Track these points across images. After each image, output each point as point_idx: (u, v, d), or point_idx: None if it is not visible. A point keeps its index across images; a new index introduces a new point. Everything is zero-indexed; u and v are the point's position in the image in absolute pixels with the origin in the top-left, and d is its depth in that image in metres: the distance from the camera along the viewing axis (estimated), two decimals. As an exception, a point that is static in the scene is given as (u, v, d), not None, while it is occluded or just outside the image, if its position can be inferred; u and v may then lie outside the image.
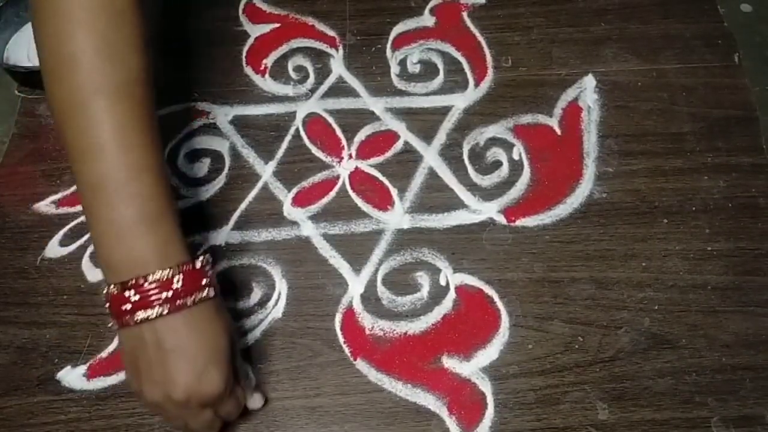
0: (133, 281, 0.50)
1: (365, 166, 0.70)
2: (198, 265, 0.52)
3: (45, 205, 0.69)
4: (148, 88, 0.54)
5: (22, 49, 0.78)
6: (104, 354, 0.62)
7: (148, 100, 0.54)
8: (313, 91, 0.75)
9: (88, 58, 0.51)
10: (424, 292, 0.64)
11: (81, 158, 0.52)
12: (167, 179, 0.54)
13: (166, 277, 0.50)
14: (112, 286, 0.51)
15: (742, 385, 0.59)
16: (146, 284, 0.50)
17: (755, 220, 0.66)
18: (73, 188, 0.69)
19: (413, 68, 0.77)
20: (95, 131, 0.51)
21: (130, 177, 0.51)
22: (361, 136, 0.72)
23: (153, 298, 0.50)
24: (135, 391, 0.53)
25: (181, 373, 0.50)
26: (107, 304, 0.52)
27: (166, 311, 0.50)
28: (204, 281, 0.52)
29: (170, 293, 0.50)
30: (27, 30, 0.79)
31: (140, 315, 0.50)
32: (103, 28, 0.51)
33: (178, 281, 0.50)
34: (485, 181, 0.69)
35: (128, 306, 0.50)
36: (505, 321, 0.62)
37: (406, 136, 0.72)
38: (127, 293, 0.50)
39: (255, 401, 0.58)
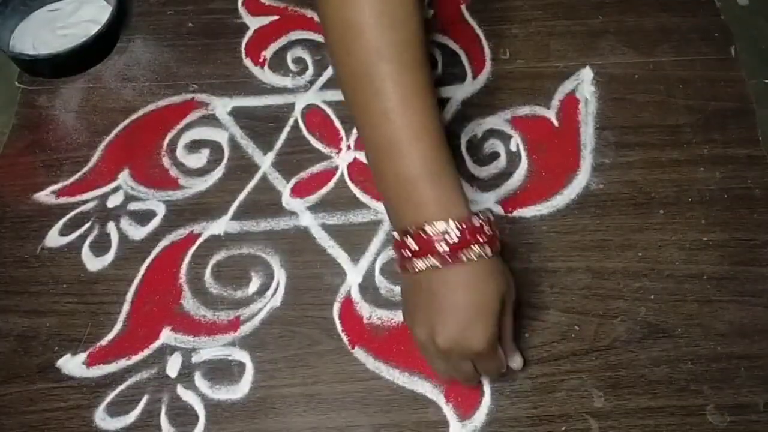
0: (413, 230, 0.52)
1: (363, 157, 0.71)
2: (476, 222, 0.53)
3: (45, 195, 0.70)
4: (425, 49, 0.55)
5: (28, 38, 0.78)
6: (104, 342, 0.62)
7: (426, 62, 0.55)
8: (311, 82, 0.76)
9: (372, 24, 0.53)
10: (422, 281, 0.64)
11: (369, 123, 0.54)
12: (445, 138, 0.55)
13: (444, 230, 0.52)
14: (396, 234, 0.55)
15: (737, 373, 0.59)
16: (424, 235, 0.52)
17: (751, 211, 0.67)
18: (73, 178, 0.70)
19: (412, 60, 0.77)
20: (383, 97, 0.53)
21: (415, 138, 0.53)
22: (359, 127, 0.72)
23: (430, 248, 0.52)
24: (408, 326, 0.56)
25: (447, 325, 0.52)
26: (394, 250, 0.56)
27: (439, 263, 0.52)
28: (481, 238, 0.53)
29: (446, 246, 0.51)
30: (33, 19, 0.80)
31: (418, 264, 0.52)
32: None
33: (455, 235, 0.52)
34: (483, 172, 0.70)
35: (408, 253, 0.53)
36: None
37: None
38: (407, 240, 0.53)
39: (516, 361, 0.59)
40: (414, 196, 0.53)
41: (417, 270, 0.53)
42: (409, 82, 0.53)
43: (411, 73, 0.53)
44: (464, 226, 0.52)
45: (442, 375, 0.58)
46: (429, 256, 0.52)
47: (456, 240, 0.51)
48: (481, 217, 0.54)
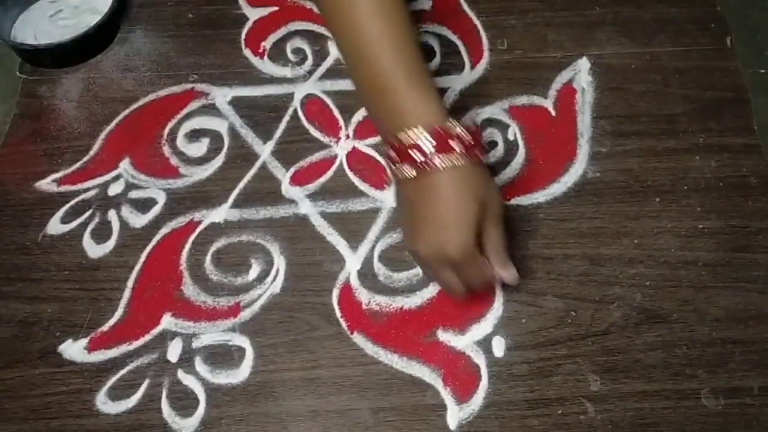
0: (390, 139, 0.55)
1: (362, 146, 0.71)
2: (453, 129, 0.54)
3: (46, 184, 0.70)
4: None
5: (29, 28, 0.79)
6: (105, 328, 0.63)
7: None
8: (311, 72, 0.76)
9: None
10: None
11: (344, 33, 0.59)
12: (418, 48, 0.58)
13: (417, 137, 0.54)
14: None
15: (732, 357, 0.60)
16: (397, 143, 0.55)
17: (745, 199, 0.67)
18: (74, 167, 0.71)
19: (410, 51, 0.77)
20: (356, 9, 0.57)
21: (386, 47, 0.56)
22: (358, 116, 0.73)
23: (407, 156, 0.54)
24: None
25: (424, 232, 0.56)
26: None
27: (415, 171, 0.54)
28: (458, 147, 0.54)
29: (420, 154, 0.53)
30: (34, 9, 0.80)
31: (400, 172, 0.55)
32: None
33: (428, 142, 0.54)
34: (481, 160, 0.70)
35: (391, 162, 0.56)
36: (499, 296, 0.63)
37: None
38: (387, 150, 0.56)
39: (510, 273, 0.59)
40: (387, 104, 0.56)
41: (399, 178, 0.55)
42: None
43: None
44: (438, 133, 0.53)
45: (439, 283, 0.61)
46: (406, 164, 0.54)
47: (431, 148, 0.53)
48: (461, 124, 0.55)
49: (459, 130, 0.55)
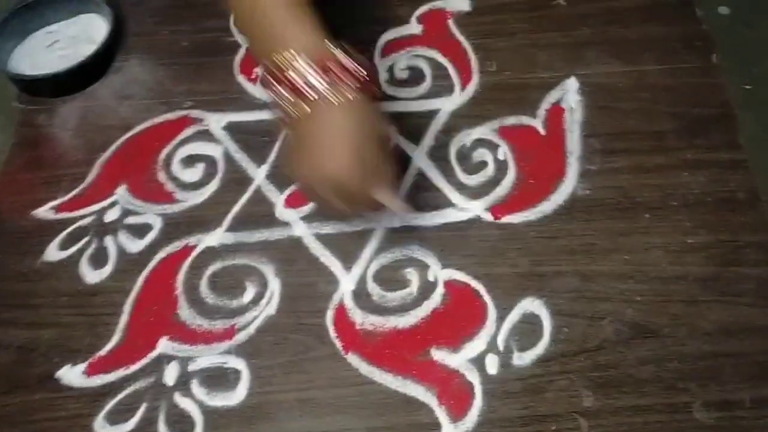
0: (270, 65, 0.57)
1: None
2: (330, 64, 0.57)
3: (44, 211, 0.71)
4: None
5: (25, 59, 0.80)
6: (103, 352, 0.63)
7: None
8: (303, 97, 0.77)
9: None
10: (414, 287, 0.65)
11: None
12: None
13: (306, 73, 0.56)
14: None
15: (723, 371, 0.60)
16: (278, 72, 0.57)
17: (734, 213, 0.68)
18: (72, 194, 0.72)
19: (401, 74, 0.79)
20: None
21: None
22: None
23: (298, 94, 0.56)
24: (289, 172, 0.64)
25: (310, 159, 0.58)
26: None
27: (308, 110, 0.57)
28: (351, 83, 0.57)
29: (302, 84, 0.56)
30: (31, 40, 0.82)
31: (278, 102, 0.58)
32: None
33: (306, 72, 0.56)
34: (472, 180, 0.71)
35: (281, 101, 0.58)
36: (492, 314, 0.64)
37: (395, 138, 0.74)
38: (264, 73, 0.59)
39: (396, 204, 0.61)
40: (269, 32, 0.59)
41: (293, 117, 0.57)
42: None
43: None
44: (327, 67, 0.56)
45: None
46: (283, 94, 0.57)
47: (309, 79, 0.56)
48: (356, 59, 0.58)
49: (351, 64, 0.57)
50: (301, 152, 0.59)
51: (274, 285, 0.66)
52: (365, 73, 0.58)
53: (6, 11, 0.80)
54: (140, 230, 0.70)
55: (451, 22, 0.83)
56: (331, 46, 0.58)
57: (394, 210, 0.60)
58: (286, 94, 0.57)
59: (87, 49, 0.79)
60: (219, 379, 0.62)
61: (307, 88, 0.56)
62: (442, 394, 0.60)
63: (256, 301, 0.65)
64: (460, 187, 0.71)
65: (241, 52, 0.81)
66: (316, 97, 0.56)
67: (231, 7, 0.64)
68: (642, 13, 0.82)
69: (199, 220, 0.70)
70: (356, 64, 0.58)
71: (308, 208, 0.70)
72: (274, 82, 0.57)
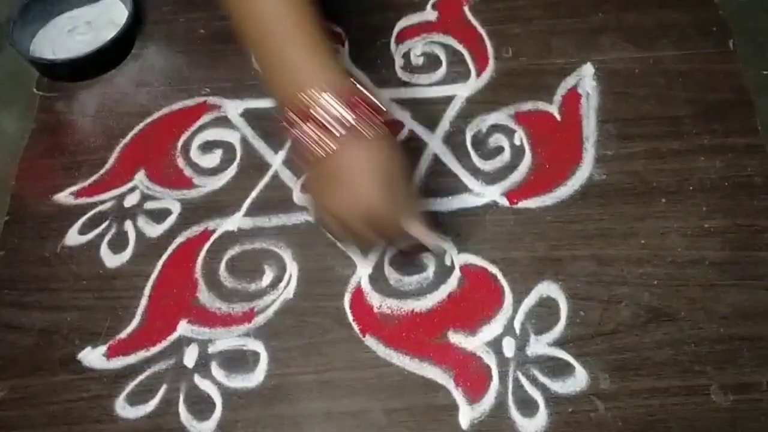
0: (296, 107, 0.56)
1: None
2: (355, 99, 0.56)
3: (64, 196, 0.72)
4: None
5: (48, 43, 0.81)
6: (123, 335, 0.64)
7: None
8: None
9: None
10: (430, 272, 0.66)
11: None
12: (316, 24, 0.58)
13: (333, 108, 0.55)
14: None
15: (740, 354, 0.61)
16: (304, 110, 0.55)
17: (751, 198, 0.68)
18: (91, 180, 0.72)
19: (417, 60, 0.79)
20: None
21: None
22: (367, 124, 0.74)
23: (309, 124, 0.56)
24: (316, 209, 0.64)
25: (334, 194, 0.57)
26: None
27: (317, 138, 0.56)
28: (363, 116, 0.56)
29: (329, 120, 0.55)
30: (53, 25, 0.83)
31: (301, 141, 0.57)
32: None
33: (333, 109, 0.55)
34: (488, 165, 0.71)
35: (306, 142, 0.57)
36: (508, 297, 0.64)
37: (411, 124, 0.74)
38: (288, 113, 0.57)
39: (425, 235, 0.59)
40: (289, 70, 0.57)
41: (318, 155, 0.56)
42: None
43: None
44: (354, 101, 0.56)
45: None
46: (325, 137, 0.55)
47: (338, 114, 0.55)
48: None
49: (373, 99, 0.57)
50: (330, 188, 0.58)
51: (292, 269, 0.67)
52: (385, 108, 0.58)
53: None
54: (159, 215, 0.70)
55: (466, 9, 0.83)
56: (354, 81, 0.58)
57: (423, 241, 0.60)
58: (311, 133, 0.56)
59: (107, 34, 0.80)
60: (238, 361, 0.62)
61: (335, 124, 0.55)
62: (459, 376, 0.61)
63: (274, 284, 0.66)
64: (476, 173, 0.71)
65: (258, 40, 0.82)
66: (344, 132, 0.55)
67: (247, 45, 0.61)
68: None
69: (218, 205, 0.71)
70: (376, 100, 0.57)
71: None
72: (300, 121, 0.56)
